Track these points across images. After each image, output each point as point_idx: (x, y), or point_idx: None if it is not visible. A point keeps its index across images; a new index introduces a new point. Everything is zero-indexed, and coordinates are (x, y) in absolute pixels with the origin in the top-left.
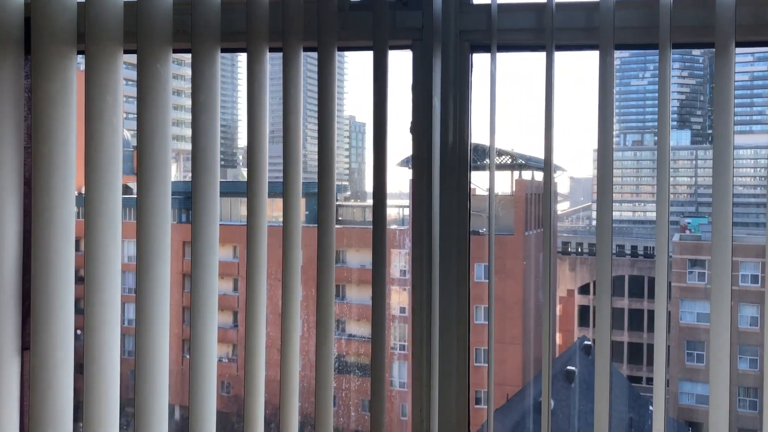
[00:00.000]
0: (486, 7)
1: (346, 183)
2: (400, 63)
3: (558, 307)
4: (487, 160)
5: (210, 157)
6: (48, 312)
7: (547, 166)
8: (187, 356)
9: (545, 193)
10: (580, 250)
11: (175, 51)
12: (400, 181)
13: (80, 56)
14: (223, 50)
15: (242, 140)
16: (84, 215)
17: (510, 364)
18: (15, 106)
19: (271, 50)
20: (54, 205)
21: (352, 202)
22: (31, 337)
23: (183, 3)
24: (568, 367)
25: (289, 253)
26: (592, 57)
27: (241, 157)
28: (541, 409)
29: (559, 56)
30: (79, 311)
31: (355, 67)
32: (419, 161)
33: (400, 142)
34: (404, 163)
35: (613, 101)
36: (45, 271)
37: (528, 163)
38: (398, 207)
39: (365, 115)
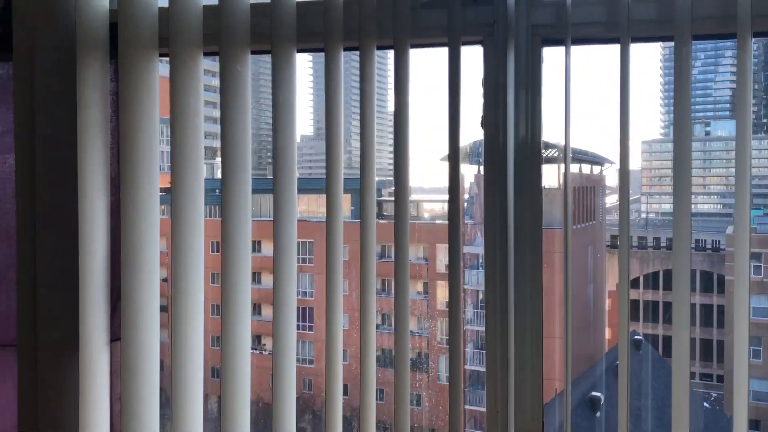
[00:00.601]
0: (556, 2)
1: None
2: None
3: (607, 302)
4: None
5: (289, 156)
6: (137, 305)
7: (623, 160)
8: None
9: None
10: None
11: (254, 52)
12: (444, 175)
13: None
14: (299, 51)
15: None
16: (171, 212)
17: (558, 359)
18: (101, 108)
19: (345, 50)
20: (140, 203)
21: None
22: (122, 329)
23: (261, 6)
24: (618, 362)
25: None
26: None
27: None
28: (593, 404)
29: (603, 49)
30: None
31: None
32: (492, 155)
33: (438, 137)
34: (447, 158)
35: (689, 92)
36: (133, 265)
37: (575, 156)
38: (443, 202)
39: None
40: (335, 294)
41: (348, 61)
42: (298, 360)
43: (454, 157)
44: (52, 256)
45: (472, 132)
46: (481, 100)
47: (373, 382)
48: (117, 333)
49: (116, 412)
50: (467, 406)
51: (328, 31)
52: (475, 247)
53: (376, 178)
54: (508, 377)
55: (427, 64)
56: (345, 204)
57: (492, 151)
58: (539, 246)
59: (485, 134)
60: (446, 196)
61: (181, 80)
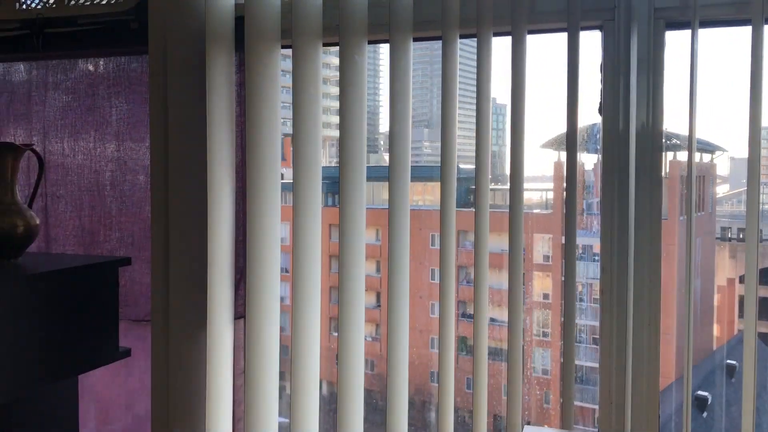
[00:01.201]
0: None
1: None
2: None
3: (716, 297)
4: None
5: (404, 144)
6: (260, 284)
7: (753, 148)
8: (335, 334)
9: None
10: (741, 236)
11: (371, 42)
12: (543, 163)
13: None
14: (415, 39)
15: (383, 126)
16: (292, 200)
17: (667, 354)
18: (228, 99)
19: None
20: (264, 188)
21: (493, 186)
22: (247, 307)
23: None
24: (728, 361)
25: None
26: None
27: (382, 143)
28: (700, 403)
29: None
30: None
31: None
32: (611, 143)
33: (540, 124)
34: (548, 144)
35: None
36: (258, 247)
37: (685, 144)
38: (542, 191)
39: (507, 98)
40: (448, 284)
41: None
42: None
43: (572, 146)
44: (183, 238)
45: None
46: (592, 86)
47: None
48: (239, 311)
49: (237, 386)
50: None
51: (445, 19)
52: (577, 237)
53: (469, 166)
54: (625, 371)
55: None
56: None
57: (611, 139)
58: (659, 237)
59: (604, 121)
60: (544, 185)
61: (303, 71)
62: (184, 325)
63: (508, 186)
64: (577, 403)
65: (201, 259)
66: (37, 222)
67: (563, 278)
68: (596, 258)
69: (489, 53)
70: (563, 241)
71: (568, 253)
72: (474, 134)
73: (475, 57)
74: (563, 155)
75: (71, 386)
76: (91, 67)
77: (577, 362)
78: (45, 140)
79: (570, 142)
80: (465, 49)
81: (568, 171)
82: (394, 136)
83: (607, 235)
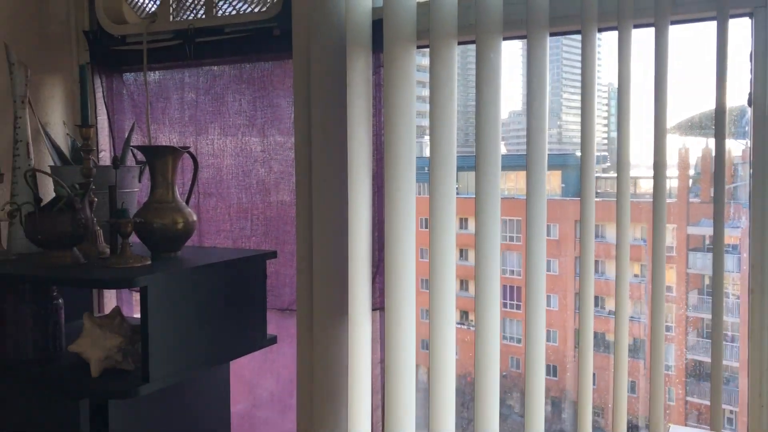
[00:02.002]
0: None
1: (605, 153)
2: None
3: None
4: None
5: (542, 138)
6: (398, 276)
7: None
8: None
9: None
10: None
11: (505, 39)
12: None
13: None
14: (551, 35)
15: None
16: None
17: None
18: (366, 98)
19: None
20: (401, 183)
21: (611, 174)
22: (386, 299)
23: None
24: None
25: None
26: None
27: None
28: None
29: None
30: None
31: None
32: (762, 132)
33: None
34: (672, 130)
35: None
36: (395, 240)
37: None
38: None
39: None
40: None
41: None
42: (504, 338)
43: (720, 135)
44: (325, 232)
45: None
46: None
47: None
48: (375, 303)
49: (375, 375)
50: (689, 398)
51: (584, 13)
52: (700, 227)
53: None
54: None
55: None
56: (555, 181)
57: (762, 129)
58: None
59: (755, 111)
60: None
61: (438, 70)
62: (326, 315)
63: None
64: (703, 401)
65: (342, 252)
66: (195, 218)
67: (688, 270)
68: (728, 250)
69: (628, 46)
70: (688, 232)
71: (716, 246)
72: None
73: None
74: (688, 142)
75: (224, 371)
76: (237, 73)
77: (698, 358)
78: (197, 142)
79: (719, 131)
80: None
81: (716, 162)
82: (531, 131)
83: (757, 228)
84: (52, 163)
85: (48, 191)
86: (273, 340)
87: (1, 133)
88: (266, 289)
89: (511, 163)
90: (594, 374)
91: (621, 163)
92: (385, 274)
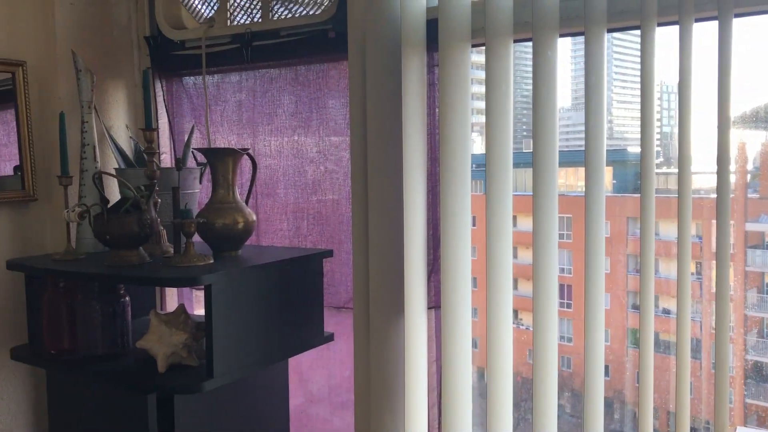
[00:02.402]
0: None
1: (658, 149)
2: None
3: None
4: None
5: (600, 132)
6: (454, 275)
7: None
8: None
9: None
10: None
11: (561, 36)
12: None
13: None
14: (609, 30)
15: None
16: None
17: None
18: (421, 97)
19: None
20: (455, 181)
21: (664, 169)
22: (442, 298)
23: None
24: None
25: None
26: None
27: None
28: None
29: None
30: None
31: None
32: None
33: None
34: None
35: None
36: (451, 239)
37: None
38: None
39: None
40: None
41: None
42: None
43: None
44: (381, 231)
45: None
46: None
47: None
48: (430, 302)
49: (431, 373)
50: (748, 400)
51: (644, 8)
52: (759, 224)
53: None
54: None
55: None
56: (607, 177)
57: None
58: None
59: None
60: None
61: (494, 69)
62: (382, 313)
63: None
64: (762, 403)
65: (397, 251)
66: (254, 218)
67: (747, 268)
68: None
69: (690, 41)
70: (746, 229)
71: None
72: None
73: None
74: (746, 135)
75: (283, 367)
76: (292, 74)
77: (758, 359)
78: (254, 143)
79: None
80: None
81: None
82: (589, 127)
83: None
84: (116, 165)
85: (112, 192)
86: (330, 338)
87: (69, 137)
88: (323, 287)
89: (562, 160)
90: None
91: (682, 158)
92: (441, 272)
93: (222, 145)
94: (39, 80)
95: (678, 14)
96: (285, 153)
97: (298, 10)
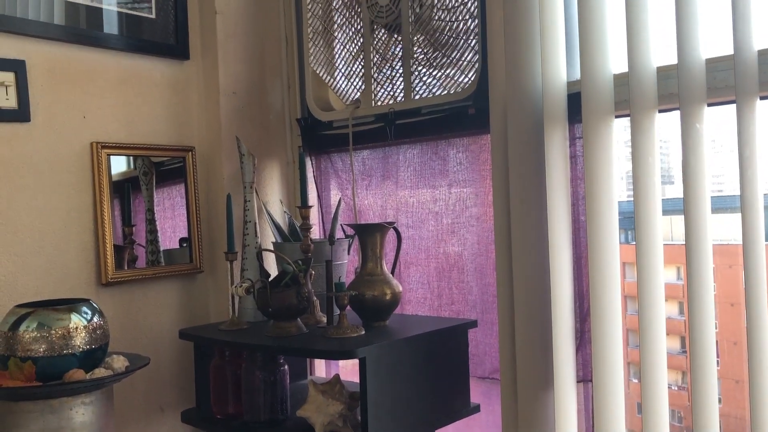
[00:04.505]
0: None
1: None
2: None
3: None
4: None
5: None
6: (604, 347)
7: None
8: (635, 380)
9: None
10: None
11: (710, 104)
12: None
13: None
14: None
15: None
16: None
17: None
18: (564, 169)
19: None
20: (603, 252)
21: None
22: (593, 370)
23: (721, 60)
24: None
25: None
26: None
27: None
28: None
29: None
30: None
31: None
32: None
33: None
34: None
35: None
36: (601, 311)
37: None
38: None
39: None
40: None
41: None
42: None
43: None
44: (527, 301)
45: None
46: None
47: None
48: (579, 374)
49: None
50: None
51: None
52: None
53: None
54: None
55: None
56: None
57: None
58: None
59: None
60: None
61: (639, 141)
62: (530, 385)
63: None
64: None
65: (544, 322)
66: (400, 289)
67: None
68: None
69: None
70: None
71: None
72: None
73: None
74: None
75: None
76: (434, 149)
77: None
78: (397, 214)
79: None
80: None
81: None
82: (745, 206)
83: None
84: (272, 238)
85: (269, 264)
86: (476, 409)
87: (234, 215)
88: (469, 357)
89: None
90: None
91: None
92: (591, 345)
93: (367, 217)
94: (206, 162)
95: None
96: (427, 224)
97: (438, 91)
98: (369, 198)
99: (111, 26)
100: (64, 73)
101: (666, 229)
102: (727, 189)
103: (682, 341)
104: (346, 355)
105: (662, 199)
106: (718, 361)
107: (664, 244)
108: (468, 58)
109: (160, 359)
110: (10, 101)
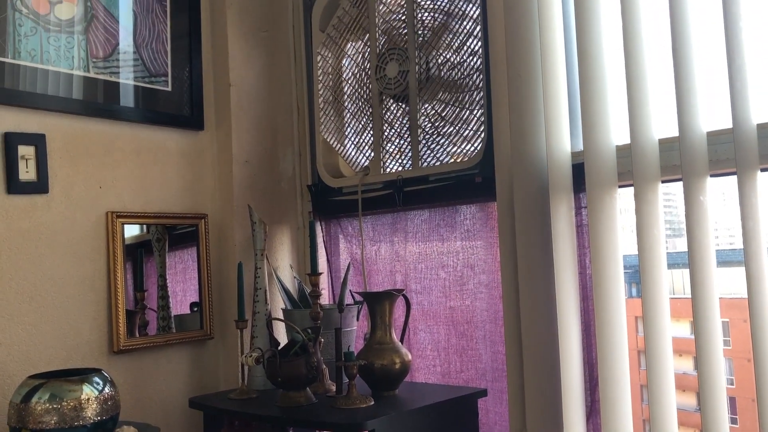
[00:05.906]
0: None
1: None
2: None
3: None
4: None
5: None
6: (615, 418)
7: None
8: None
9: None
10: None
11: (713, 175)
12: None
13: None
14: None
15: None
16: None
17: None
18: (569, 238)
19: None
20: (611, 321)
21: None
22: (601, 409)
23: (721, 133)
24: None
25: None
26: None
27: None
28: None
29: None
30: None
31: None
32: None
33: None
34: None
35: None
36: (610, 381)
37: None
38: None
39: None
40: None
41: None
42: None
43: None
44: (536, 372)
45: None
46: None
47: None
48: None
49: None
50: None
51: None
52: None
53: None
54: None
55: None
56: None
57: None
58: None
59: None
60: None
61: (644, 211)
62: None
63: None
64: None
65: (554, 391)
66: (410, 358)
67: None
68: None
69: None
70: None
71: None
72: None
73: None
74: None
75: None
76: (441, 216)
77: None
78: (406, 280)
79: None
80: None
81: None
82: (751, 275)
83: None
84: (282, 304)
85: (279, 330)
86: None
87: (244, 282)
88: (479, 427)
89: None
90: None
91: None
92: (600, 416)
93: (376, 281)
94: (218, 229)
95: None
96: (436, 290)
97: (445, 159)
98: (378, 263)
99: (127, 99)
100: (81, 145)
101: (678, 285)
102: (739, 242)
103: (697, 397)
104: (355, 428)
105: (674, 253)
106: (735, 418)
107: (676, 298)
108: (474, 128)
109: (171, 428)
110: (30, 174)
